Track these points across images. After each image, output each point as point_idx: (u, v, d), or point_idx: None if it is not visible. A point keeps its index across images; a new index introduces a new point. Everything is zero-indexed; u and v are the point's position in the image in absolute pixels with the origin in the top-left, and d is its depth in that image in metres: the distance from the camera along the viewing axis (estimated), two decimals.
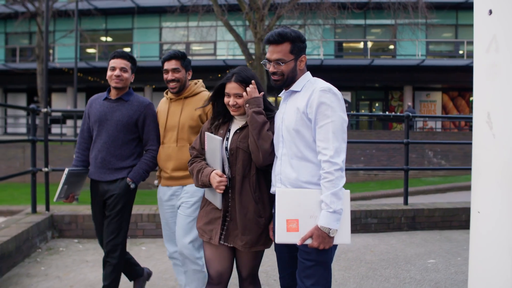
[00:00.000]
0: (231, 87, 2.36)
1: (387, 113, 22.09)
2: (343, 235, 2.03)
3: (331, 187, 1.98)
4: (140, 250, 4.37)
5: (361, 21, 21.98)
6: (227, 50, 22.65)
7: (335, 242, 2.03)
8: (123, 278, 3.08)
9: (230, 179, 2.33)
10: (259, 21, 13.86)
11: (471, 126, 14.50)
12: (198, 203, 2.76)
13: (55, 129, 20.82)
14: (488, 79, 1.41)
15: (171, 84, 2.88)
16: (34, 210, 4.80)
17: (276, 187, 2.14)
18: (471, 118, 3.53)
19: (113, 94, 3.00)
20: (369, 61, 21.13)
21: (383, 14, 18.30)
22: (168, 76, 2.88)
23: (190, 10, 16.58)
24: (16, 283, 3.47)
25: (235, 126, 2.44)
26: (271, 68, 2.20)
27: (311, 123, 2.09)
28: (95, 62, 22.19)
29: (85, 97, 23.29)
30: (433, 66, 21.31)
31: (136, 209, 4.67)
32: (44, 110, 4.88)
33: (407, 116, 5.57)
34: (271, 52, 2.18)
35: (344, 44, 23.76)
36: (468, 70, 16.23)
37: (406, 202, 5.56)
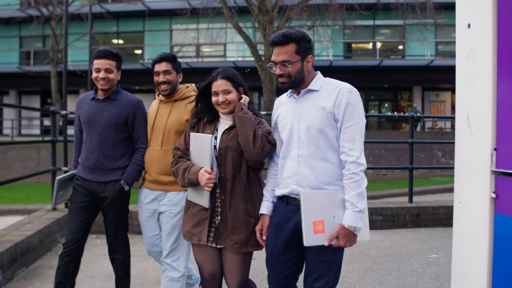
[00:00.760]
0: (219, 84, 2.35)
1: (395, 113, 22.08)
2: (363, 232, 2.06)
3: (356, 187, 1.99)
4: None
5: (370, 22, 22.06)
6: (236, 52, 22.85)
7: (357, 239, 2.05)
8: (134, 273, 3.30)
9: (218, 178, 2.32)
10: (268, 23, 14.05)
11: None
12: (182, 212, 2.70)
13: (70, 130, 21.26)
14: (467, 84, 1.60)
15: (162, 87, 2.82)
16: (54, 207, 5.07)
17: (301, 190, 2.06)
18: None
19: (100, 94, 2.94)
20: (378, 62, 21.20)
21: (391, 15, 18.38)
22: (159, 78, 2.82)
23: (200, 12, 16.83)
24: (41, 274, 3.72)
25: (223, 125, 2.42)
26: (277, 70, 2.14)
27: (336, 123, 2.06)
28: None
29: None
30: (442, 66, 21.30)
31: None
32: (64, 112, 5.15)
33: (411, 117, 5.72)
34: (277, 54, 2.13)
35: (353, 45, 23.83)
36: None
37: (411, 200, 5.73)
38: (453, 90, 23.87)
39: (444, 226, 5.48)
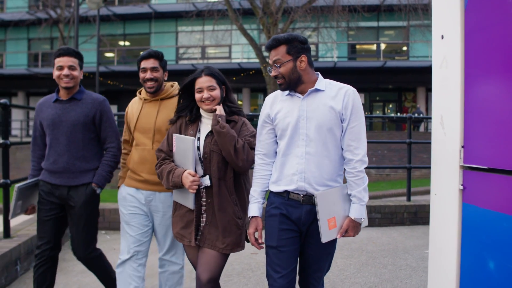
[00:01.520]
0: (203, 80, 2.36)
1: (398, 114, 22.21)
2: (364, 221, 2.23)
3: (362, 183, 2.14)
4: None
5: (374, 24, 22.20)
6: (241, 54, 23.06)
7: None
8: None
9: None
10: (273, 26, 14.26)
11: None
12: None
13: None
14: (441, 89, 1.79)
15: (149, 84, 2.75)
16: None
17: (316, 192, 2.11)
18: None
19: (63, 95, 2.83)
20: (382, 63, 21.33)
21: (395, 16, 18.53)
22: (146, 75, 2.74)
23: (205, 15, 17.06)
24: None
25: (205, 126, 2.42)
26: (273, 72, 2.22)
27: (342, 122, 2.15)
28: (113, 66, 22.91)
29: None
30: None
31: None
32: None
33: (409, 118, 5.90)
34: (271, 56, 2.21)
35: (357, 46, 23.96)
36: None
37: (409, 199, 5.90)
38: None
39: None
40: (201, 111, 2.45)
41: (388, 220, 5.60)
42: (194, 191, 2.26)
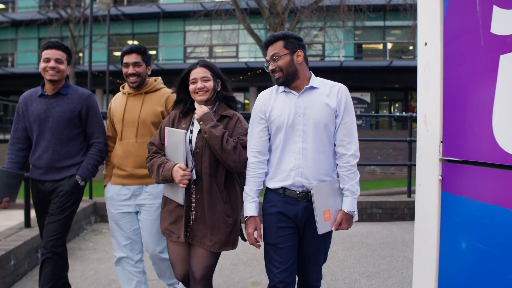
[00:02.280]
0: (198, 71, 2.36)
1: (403, 113, 22.31)
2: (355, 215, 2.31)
3: (354, 177, 2.23)
4: None
5: (380, 23, 22.30)
6: (248, 53, 23.27)
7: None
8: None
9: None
10: (279, 26, 14.45)
11: None
12: None
13: None
14: (424, 91, 2.00)
15: (131, 79, 2.73)
16: None
17: (312, 185, 2.17)
18: None
19: (49, 89, 2.76)
20: (388, 62, 21.44)
21: (401, 16, 18.64)
22: (129, 70, 2.73)
23: (213, 14, 17.30)
24: (72, 254, 4.19)
25: None
26: (270, 66, 2.26)
27: (336, 118, 2.23)
28: None
29: None
30: None
31: None
32: None
33: (410, 117, 6.09)
34: (268, 52, 2.26)
35: (363, 46, 24.08)
36: None
37: (409, 195, 6.09)
38: None
39: None
40: (195, 104, 2.42)
41: (389, 215, 5.80)
42: (184, 185, 2.22)
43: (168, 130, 2.35)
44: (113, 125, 2.87)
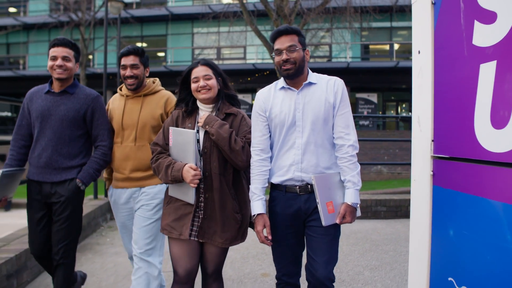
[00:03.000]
0: (199, 70, 2.35)
1: (410, 114, 22.40)
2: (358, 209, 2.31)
3: (355, 168, 2.23)
4: None
5: (387, 24, 22.41)
6: (256, 54, 23.50)
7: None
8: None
9: (203, 175, 2.29)
10: None
11: None
12: (159, 205, 2.65)
13: None
14: (418, 94, 2.21)
15: (129, 81, 2.68)
16: (95, 196, 5.82)
17: (313, 175, 2.19)
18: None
19: (56, 87, 2.70)
20: (395, 63, 21.55)
21: (408, 17, 18.73)
22: (126, 72, 2.67)
23: (221, 17, 17.53)
24: (91, 248, 4.45)
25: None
26: (283, 56, 2.24)
27: (333, 111, 2.26)
28: None
29: None
30: None
31: None
32: None
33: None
34: (282, 41, 2.26)
35: (370, 47, 24.19)
36: None
37: None
38: None
39: None
40: (198, 104, 2.43)
41: (393, 213, 5.99)
42: (195, 185, 2.21)
43: (173, 130, 2.33)
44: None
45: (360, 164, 2.28)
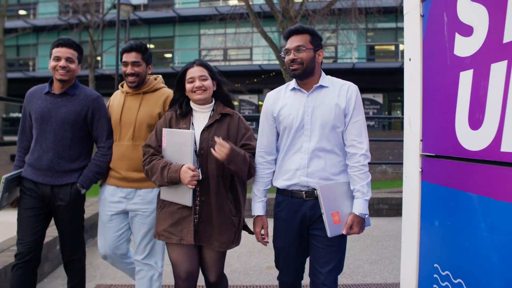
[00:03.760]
0: (195, 70, 2.32)
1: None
2: (367, 219, 2.30)
3: (365, 178, 2.17)
4: None
5: (392, 25, 22.53)
6: (262, 55, 23.71)
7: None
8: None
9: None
10: None
11: None
12: None
13: None
14: (409, 98, 2.41)
15: (130, 78, 2.61)
16: None
17: (318, 185, 2.16)
18: None
19: (56, 88, 2.63)
20: (400, 64, 21.66)
21: None
22: (127, 70, 2.60)
23: (227, 18, 17.77)
24: None
25: (198, 120, 2.35)
26: (291, 55, 2.20)
27: (345, 118, 2.20)
28: None
29: None
30: None
31: None
32: None
33: None
34: (292, 41, 2.22)
35: (376, 47, 24.31)
36: None
37: None
38: None
39: None
40: (192, 105, 2.39)
41: (395, 211, 6.17)
42: (193, 186, 2.17)
43: (167, 131, 2.28)
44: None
45: None
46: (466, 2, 1.84)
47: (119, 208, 2.66)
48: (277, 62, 18.23)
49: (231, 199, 2.35)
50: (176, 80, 2.39)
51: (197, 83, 2.29)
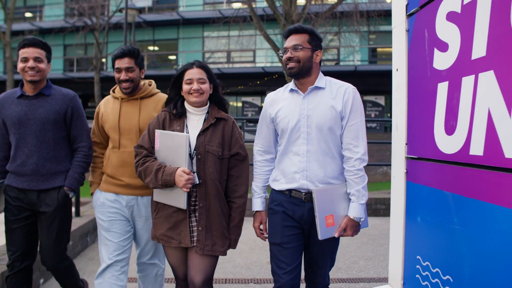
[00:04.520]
0: (194, 72, 2.26)
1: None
2: (364, 221, 2.28)
3: (361, 182, 2.17)
4: None
5: None
6: (265, 58, 23.91)
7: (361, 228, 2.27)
8: None
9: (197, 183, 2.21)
10: None
11: None
12: None
13: None
14: (396, 105, 2.64)
15: (124, 85, 2.53)
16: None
17: (314, 188, 2.15)
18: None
19: (29, 90, 2.56)
20: None
21: None
22: (121, 76, 2.52)
23: (231, 21, 18.00)
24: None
25: (193, 122, 2.30)
26: (288, 54, 2.20)
27: (342, 120, 2.18)
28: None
29: None
30: None
31: None
32: None
33: None
34: (290, 40, 2.22)
35: (378, 50, 24.49)
36: None
37: None
38: None
39: None
40: (187, 106, 2.34)
41: None
42: (188, 190, 2.14)
43: (160, 133, 2.24)
44: (101, 131, 2.70)
45: (367, 165, 2.23)
46: (442, 21, 2.06)
47: (121, 214, 2.59)
48: (279, 64, 18.44)
49: (227, 202, 2.37)
50: (173, 78, 2.34)
51: (195, 86, 2.25)
